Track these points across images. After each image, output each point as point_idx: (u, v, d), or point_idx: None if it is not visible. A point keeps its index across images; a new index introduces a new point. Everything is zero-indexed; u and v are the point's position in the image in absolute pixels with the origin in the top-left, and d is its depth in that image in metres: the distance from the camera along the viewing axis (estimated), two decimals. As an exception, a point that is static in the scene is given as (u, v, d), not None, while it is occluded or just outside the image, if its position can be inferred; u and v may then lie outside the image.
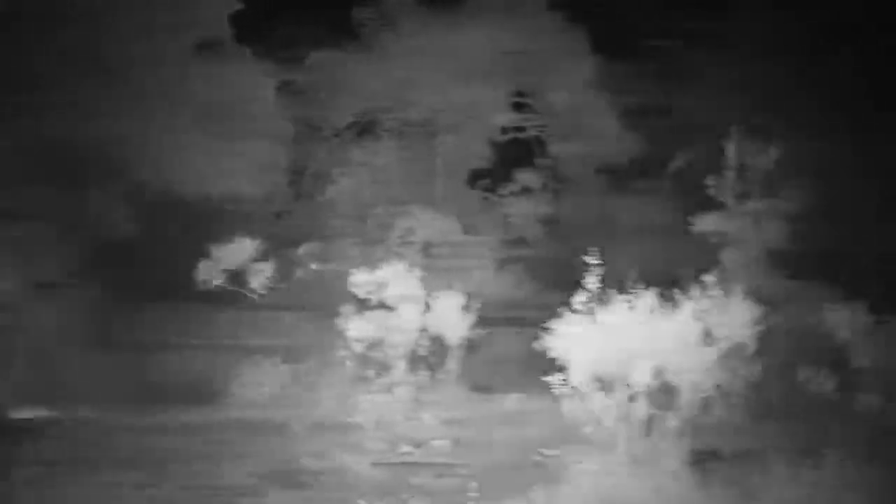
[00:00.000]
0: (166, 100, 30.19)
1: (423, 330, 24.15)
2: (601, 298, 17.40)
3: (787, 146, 26.29)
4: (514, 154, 37.85)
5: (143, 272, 26.74)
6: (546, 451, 17.12)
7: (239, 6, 30.77)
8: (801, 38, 36.96)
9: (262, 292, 28.43)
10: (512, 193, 37.86)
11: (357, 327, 23.60)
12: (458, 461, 19.51)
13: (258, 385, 23.63)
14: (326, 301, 25.50)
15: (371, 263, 24.77)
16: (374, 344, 23.66)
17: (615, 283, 18.05)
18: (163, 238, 29.05)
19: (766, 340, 18.78)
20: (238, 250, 28.94)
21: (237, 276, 28.65)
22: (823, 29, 36.40)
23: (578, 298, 17.31)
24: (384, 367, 23.45)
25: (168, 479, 18.02)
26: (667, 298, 17.74)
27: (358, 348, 23.60)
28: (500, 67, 35.62)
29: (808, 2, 36.75)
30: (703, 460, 17.56)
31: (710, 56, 36.12)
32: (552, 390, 16.91)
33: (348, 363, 23.63)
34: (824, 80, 40.24)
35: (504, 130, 36.91)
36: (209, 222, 29.13)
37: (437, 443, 20.37)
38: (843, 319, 18.42)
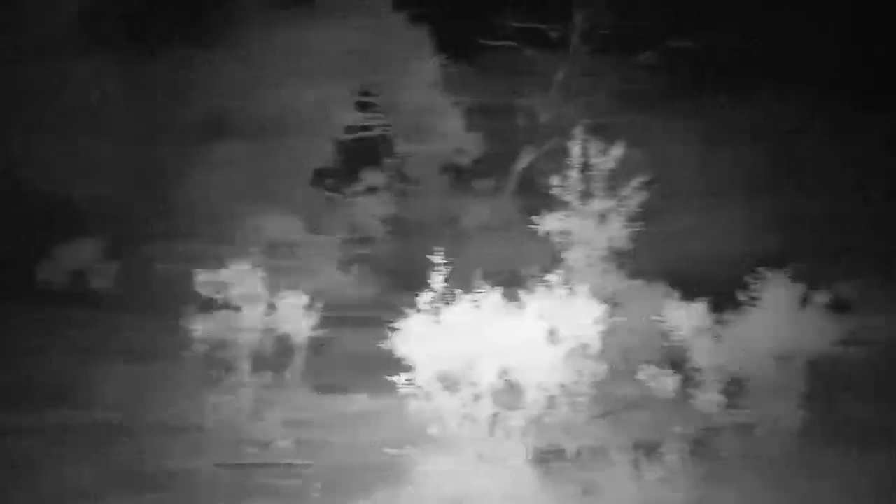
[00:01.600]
0: (12, 97, 29.68)
1: (268, 330, 24.02)
2: (446, 298, 17.44)
3: (629, 146, 26.63)
4: (360, 153, 37.93)
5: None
6: (391, 451, 17.13)
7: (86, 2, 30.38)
8: (641, 36, 37.60)
9: (107, 292, 28.11)
10: (357, 193, 37.95)
11: (201, 328, 23.41)
12: (301, 462, 19.45)
13: (101, 386, 23.26)
14: (171, 301, 25.25)
15: (216, 263, 24.56)
16: (219, 345, 23.48)
17: (460, 282, 18.11)
18: (5, 237, 28.55)
19: (609, 339, 19.01)
20: (81, 250, 28.58)
21: (80, 276, 28.28)
22: (658, 26, 37.12)
23: (424, 298, 17.33)
24: (228, 368, 23.27)
25: (10, 481, 17.65)
26: (511, 298, 17.85)
27: (202, 349, 23.41)
28: (346, 67, 35.63)
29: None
30: (547, 459, 17.72)
31: (552, 56, 36.58)
32: (397, 390, 16.92)
33: (192, 364, 23.42)
34: (665, 78, 40.96)
35: (350, 129, 36.97)
36: (53, 221, 28.72)
37: (281, 443, 20.28)
38: (683, 318, 18.68)
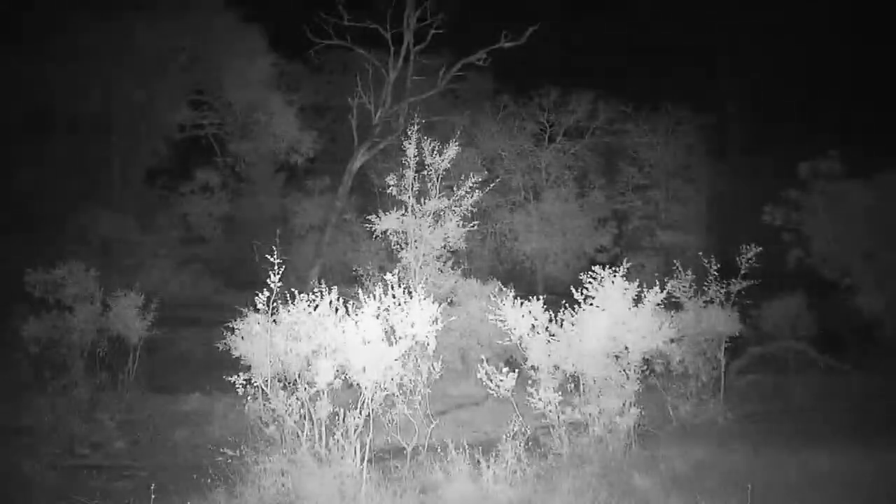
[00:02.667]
0: None
1: (102, 330, 23.69)
2: (283, 297, 17.32)
3: (462, 146, 26.77)
4: (193, 152, 37.59)
5: None
6: (228, 451, 16.92)
7: None
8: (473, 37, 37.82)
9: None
10: (191, 192, 37.56)
11: (32, 328, 23.00)
12: (137, 463, 19.19)
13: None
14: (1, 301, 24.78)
15: (46, 262, 24.15)
16: (51, 345, 23.08)
17: (297, 281, 18.05)
18: None
19: (446, 338, 19.07)
20: None
21: None
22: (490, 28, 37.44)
23: (260, 297, 17.18)
24: (61, 369, 22.88)
25: None
26: (349, 296, 17.79)
27: (34, 349, 22.99)
28: (177, 65, 35.23)
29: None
30: (384, 457, 17.73)
31: (385, 55, 36.64)
32: (235, 390, 16.75)
33: (24, 365, 22.98)
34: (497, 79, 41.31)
35: (182, 128, 36.56)
36: None
37: (116, 444, 19.99)
38: (518, 314, 18.78)
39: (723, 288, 22.77)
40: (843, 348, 28.52)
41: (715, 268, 22.84)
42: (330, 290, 17.47)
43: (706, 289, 22.68)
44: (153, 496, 13.82)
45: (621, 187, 41.62)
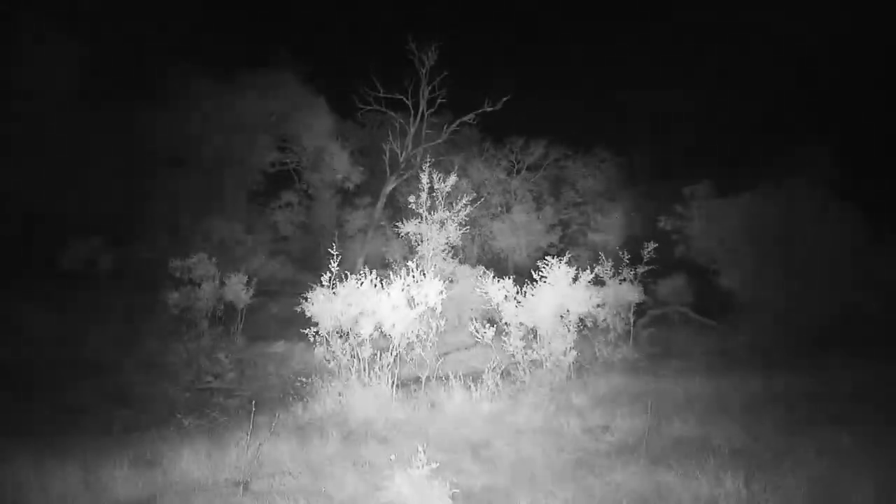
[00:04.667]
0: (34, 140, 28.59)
1: (219, 299, 23.77)
2: (340, 277, 17.37)
3: (458, 176, 26.83)
4: (280, 180, 37.69)
5: None
6: (303, 379, 16.96)
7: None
8: (464, 103, 37.82)
9: (108, 273, 27.47)
10: (279, 207, 37.62)
11: (174, 298, 23.09)
12: (242, 387, 19.22)
13: (100, 336, 22.71)
14: (152, 280, 24.89)
15: (183, 254, 24.29)
16: (186, 309, 23.17)
17: (349, 266, 18.06)
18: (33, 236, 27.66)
19: (448, 304, 19.09)
20: (92, 244, 27.83)
21: (91, 262, 27.54)
22: (475, 97, 37.40)
23: (325, 277, 17.23)
24: (192, 325, 22.95)
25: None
26: (383, 277, 17.84)
27: (174, 312, 23.05)
28: (269, 122, 35.30)
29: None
30: (407, 384, 17.74)
31: (407, 116, 36.67)
32: (308, 338, 16.82)
33: (168, 321, 23.05)
34: (480, 131, 41.17)
35: (272, 164, 36.63)
36: (67, 224, 27.83)
37: (228, 375, 19.99)
38: (496, 290, 18.80)
39: (632, 271, 22.79)
40: (710, 311, 28.60)
41: (627, 258, 22.87)
42: (371, 272, 17.54)
43: (621, 272, 22.69)
44: (253, 409, 13.82)
45: (565, 204, 41.54)
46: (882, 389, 17.03)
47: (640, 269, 22.98)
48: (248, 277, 24.32)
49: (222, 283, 23.72)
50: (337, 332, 17.02)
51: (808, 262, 27.51)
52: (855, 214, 28.27)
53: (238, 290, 23.89)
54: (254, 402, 14.45)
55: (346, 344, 16.93)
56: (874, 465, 11.99)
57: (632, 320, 23.12)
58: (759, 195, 28.94)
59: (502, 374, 17.38)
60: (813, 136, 29.72)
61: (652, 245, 23.21)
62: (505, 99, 36.78)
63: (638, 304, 23.48)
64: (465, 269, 27.47)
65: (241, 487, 11.77)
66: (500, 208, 41.12)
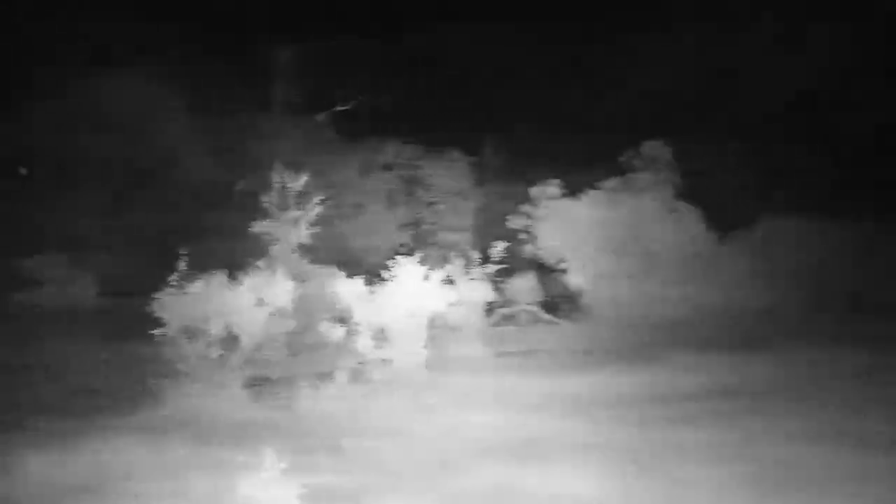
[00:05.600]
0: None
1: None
2: (190, 277, 17.24)
3: (311, 175, 26.85)
4: (135, 179, 36.63)
5: None
6: (152, 380, 16.78)
7: None
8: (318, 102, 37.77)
9: None
10: (131, 206, 36.64)
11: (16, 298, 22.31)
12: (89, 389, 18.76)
13: None
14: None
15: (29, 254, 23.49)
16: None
17: (198, 266, 17.89)
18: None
19: (298, 304, 19.12)
20: None
21: None
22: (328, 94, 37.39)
23: (173, 278, 17.07)
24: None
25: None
26: (233, 277, 17.78)
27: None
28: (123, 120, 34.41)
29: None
30: (257, 384, 17.70)
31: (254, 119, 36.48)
32: (156, 339, 16.64)
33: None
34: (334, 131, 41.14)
35: (127, 163, 35.68)
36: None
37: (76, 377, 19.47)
38: (346, 289, 18.94)
39: (483, 270, 23.19)
40: (558, 309, 29.37)
41: (478, 257, 23.28)
42: (221, 271, 17.50)
43: (471, 271, 23.07)
44: (103, 411, 13.59)
45: (417, 203, 41.84)
46: (725, 389, 17.87)
47: (491, 269, 23.39)
48: (97, 277, 23.77)
49: (70, 283, 23.10)
50: (186, 333, 16.87)
51: (655, 260, 28.62)
52: (699, 214, 29.63)
53: (87, 289, 23.31)
54: (101, 403, 14.21)
55: (196, 344, 16.81)
56: (715, 460, 12.70)
57: (483, 319, 23.53)
58: (605, 194, 29.89)
59: (353, 372, 17.55)
60: (658, 134, 30.70)
61: (502, 244, 23.64)
62: (358, 98, 36.99)
63: (488, 303, 23.93)
64: (317, 268, 27.39)
65: (88, 491, 11.61)
66: (351, 207, 41.12)
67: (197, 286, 17.10)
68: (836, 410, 15.27)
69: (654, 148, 30.41)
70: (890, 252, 32.99)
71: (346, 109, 37.05)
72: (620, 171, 30.68)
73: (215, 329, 16.73)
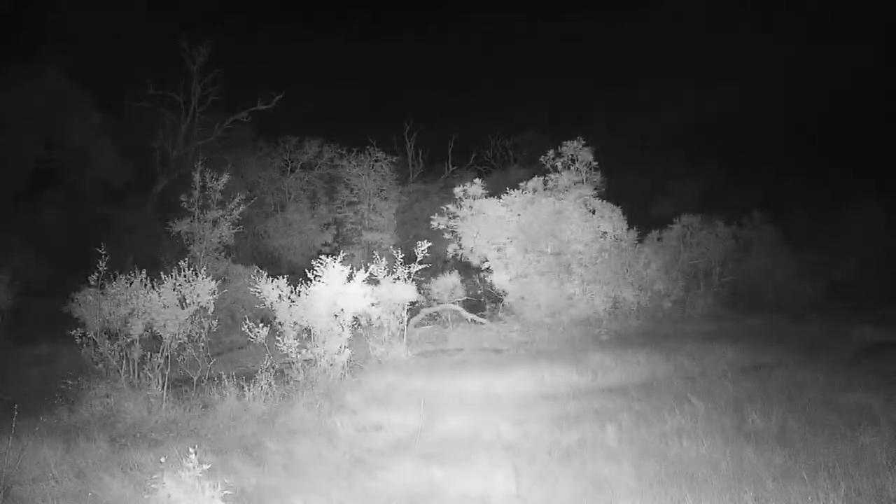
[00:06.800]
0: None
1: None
2: (108, 277, 17.05)
3: (231, 174, 26.68)
4: (45, 178, 35.98)
5: None
6: (69, 382, 16.51)
7: None
8: (237, 101, 37.53)
9: None
10: (44, 205, 35.99)
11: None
12: (2, 391, 18.37)
13: None
14: None
15: None
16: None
17: (117, 266, 17.68)
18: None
19: (220, 303, 19.05)
20: None
21: None
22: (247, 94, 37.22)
23: (92, 277, 16.87)
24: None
25: None
26: (154, 276, 17.61)
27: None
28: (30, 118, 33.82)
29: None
30: (180, 385, 17.59)
31: (179, 114, 36.02)
32: (76, 340, 16.43)
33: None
34: (253, 129, 40.87)
35: (37, 162, 35.03)
36: None
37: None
38: (270, 289, 18.87)
39: (406, 270, 23.28)
40: (482, 309, 29.67)
41: (401, 256, 23.37)
42: (141, 272, 17.32)
43: (395, 270, 23.15)
44: (16, 413, 13.33)
45: (339, 203, 41.78)
46: (645, 383, 18.28)
47: (414, 268, 23.51)
48: (11, 278, 23.30)
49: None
50: (105, 333, 16.69)
51: (575, 259, 28.99)
52: (619, 214, 30.16)
53: (2, 291, 22.86)
54: (16, 405, 13.95)
55: (115, 345, 16.64)
56: (636, 454, 12.98)
57: (406, 319, 23.64)
58: (528, 194, 30.21)
59: (276, 373, 17.49)
60: (578, 134, 31.13)
61: (425, 244, 23.76)
62: (278, 98, 36.93)
63: (411, 303, 24.06)
64: (239, 268, 27.25)
65: (2, 494, 11.43)
66: (274, 207, 40.94)
67: (116, 286, 16.91)
68: (746, 405, 15.60)
69: (574, 149, 30.79)
70: (793, 252, 34.23)
71: (267, 108, 36.89)
72: (542, 170, 31.02)
73: (135, 329, 16.55)
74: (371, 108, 44.56)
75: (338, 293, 19.16)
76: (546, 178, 30.70)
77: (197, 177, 25.14)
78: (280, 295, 18.76)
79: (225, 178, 25.68)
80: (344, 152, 42.30)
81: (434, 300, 29.17)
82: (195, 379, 17.30)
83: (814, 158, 40.18)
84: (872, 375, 18.10)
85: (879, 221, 37.44)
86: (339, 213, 42.34)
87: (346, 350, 18.74)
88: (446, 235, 30.90)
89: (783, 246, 34.67)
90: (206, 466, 10.67)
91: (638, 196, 37.91)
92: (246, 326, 18.10)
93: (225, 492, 10.77)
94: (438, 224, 30.76)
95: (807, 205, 40.50)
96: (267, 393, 16.88)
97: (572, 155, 30.88)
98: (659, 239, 32.54)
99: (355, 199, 42.32)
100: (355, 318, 19.85)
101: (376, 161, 41.85)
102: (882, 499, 10.99)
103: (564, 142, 30.97)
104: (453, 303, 28.88)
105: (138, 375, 16.64)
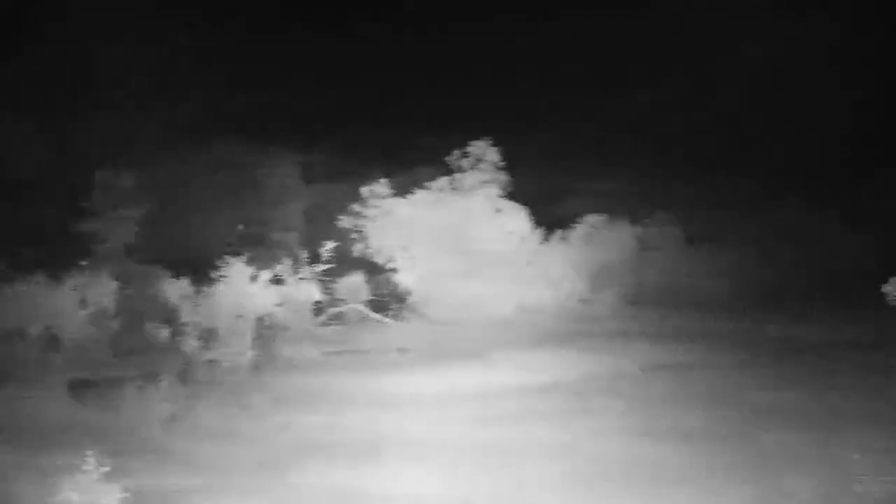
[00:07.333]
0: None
1: None
2: (8, 277, 16.84)
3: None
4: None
5: None
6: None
7: None
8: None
9: None
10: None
11: None
12: None
13: None
14: None
15: None
16: None
17: (17, 266, 17.46)
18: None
19: (122, 304, 18.88)
20: None
21: None
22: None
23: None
24: None
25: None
26: (55, 278, 17.42)
27: None
28: None
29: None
30: (79, 386, 17.39)
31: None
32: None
33: None
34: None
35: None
36: None
37: None
38: (174, 289, 18.81)
39: (312, 269, 23.23)
40: (386, 308, 29.63)
41: (307, 256, 23.33)
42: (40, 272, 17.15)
43: (301, 270, 23.09)
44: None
45: (247, 203, 41.26)
46: (546, 385, 18.54)
47: (320, 268, 23.43)
48: None
49: None
50: (5, 334, 16.48)
51: (481, 259, 29.24)
52: (526, 214, 30.52)
53: None
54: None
55: (16, 346, 16.42)
56: (545, 453, 13.32)
57: (311, 319, 23.56)
58: (434, 194, 30.37)
59: (179, 374, 17.38)
60: (478, 133, 31.29)
61: (331, 243, 23.65)
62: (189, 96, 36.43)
63: (317, 303, 23.99)
64: (142, 268, 26.83)
65: None
66: (180, 206, 40.28)
67: (16, 287, 16.68)
68: (654, 405, 16.07)
69: (480, 148, 30.95)
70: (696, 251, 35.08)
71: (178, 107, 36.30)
72: (448, 171, 31.13)
73: (35, 330, 16.35)
74: (280, 108, 43.98)
75: (242, 293, 19.15)
76: (452, 179, 30.84)
77: (102, 176, 24.75)
78: (184, 295, 18.71)
79: (130, 177, 25.33)
80: (252, 152, 41.79)
81: (340, 300, 29.09)
82: (96, 380, 17.12)
83: (721, 158, 40.92)
84: (783, 374, 18.69)
85: (790, 218, 38.38)
86: (246, 212, 41.87)
87: (251, 351, 18.70)
88: (353, 235, 30.80)
89: (686, 245, 35.33)
90: (104, 469, 10.68)
91: (545, 196, 38.25)
92: (149, 327, 18.01)
93: (125, 493, 10.79)
94: (346, 223, 30.61)
95: (710, 204, 41.21)
96: (170, 393, 16.77)
97: (479, 155, 31.05)
98: (564, 238, 32.93)
99: (262, 199, 41.89)
100: (260, 319, 19.82)
101: (283, 161, 41.53)
102: (786, 499, 11.26)
103: (470, 142, 31.11)
104: (359, 302, 28.85)
105: (39, 376, 16.44)
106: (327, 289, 25.95)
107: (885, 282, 12.40)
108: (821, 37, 38.72)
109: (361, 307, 28.37)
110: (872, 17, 37.45)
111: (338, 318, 28.20)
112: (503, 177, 31.13)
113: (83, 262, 17.99)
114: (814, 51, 38.73)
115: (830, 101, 39.16)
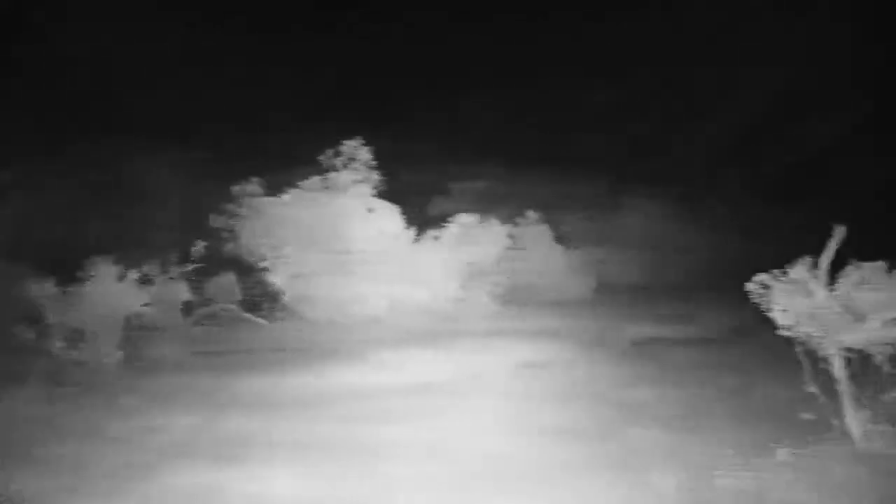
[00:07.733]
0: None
1: None
2: None
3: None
4: None
5: None
6: None
7: None
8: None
9: None
10: None
11: None
12: None
13: None
14: None
15: None
16: None
17: None
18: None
19: None
20: None
21: None
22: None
23: None
24: None
25: None
26: None
27: None
28: None
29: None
30: None
31: None
32: None
33: None
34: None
35: None
36: None
37: None
38: (38, 289, 18.45)
39: (182, 268, 23.09)
40: (258, 308, 29.46)
41: (177, 255, 23.18)
42: None
43: (170, 269, 22.92)
44: None
45: (118, 200, 40.53)
46: (424, 385, 18.68)
47: (190, 267, 23.30)
48: None
49: None
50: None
51: (355, 258, 29.44)
52: (398, 213, 30.86)
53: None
54: None
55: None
56: (422, 453, 13.45)
57: (181, 318, 23.41)
58: (306, 193, 30.43)
59: (45, 376, 17.10)
60: (358, 132, 31.44)
61: (202, 242, 23.55)
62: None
63: (186, 302, 23.84)
64: (6, 267, 26.14)
65: None
66: (47, 203, 39.29)
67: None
68: (525, 403, 16.50)
69: (352, 147, 31.12)
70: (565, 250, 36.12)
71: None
72: (320, 170, 31.21)
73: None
74: (151, 106, 43.25)
75: (110, 293, 18.94)
76: (325, 177, 30.93)
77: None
78: (49, 295, 18.38)
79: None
80: (123, 148, 41.02)
81: (210, 300, 28.88)
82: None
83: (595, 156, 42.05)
84: (647, 371, 19.14)
85: (655, 218, 39.81)
86: (115, 210, 41.07)
87: (118, 351, 18.51)
88: (224, 234, 30.61)
89: (555, 244, 36.26)
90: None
91: (417, 196, 38.66)
92: (13, 328, 17.65)
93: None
94: (217, 223, 30.39)
95: (580, 204, 42.29)
96: (36, 396, 16.49)
97: (351, 154, 31.21)
98: (436, 238, 33.34)
99: (131, 196, 41.17)
100: (128, 319, 19.61)
101: (154, 157, 40.91)
102: (653, 494, 11.48)
103: (343, 140, 31.26)
104: (231, 302, 28.70)
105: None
106: (197, 288, 25.77)
107: (749, 280, 13.08)
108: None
109: (232, 307, 28.28)
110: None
111: (210, 318, 28.04)
112: (375, 176, 31.39)
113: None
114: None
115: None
